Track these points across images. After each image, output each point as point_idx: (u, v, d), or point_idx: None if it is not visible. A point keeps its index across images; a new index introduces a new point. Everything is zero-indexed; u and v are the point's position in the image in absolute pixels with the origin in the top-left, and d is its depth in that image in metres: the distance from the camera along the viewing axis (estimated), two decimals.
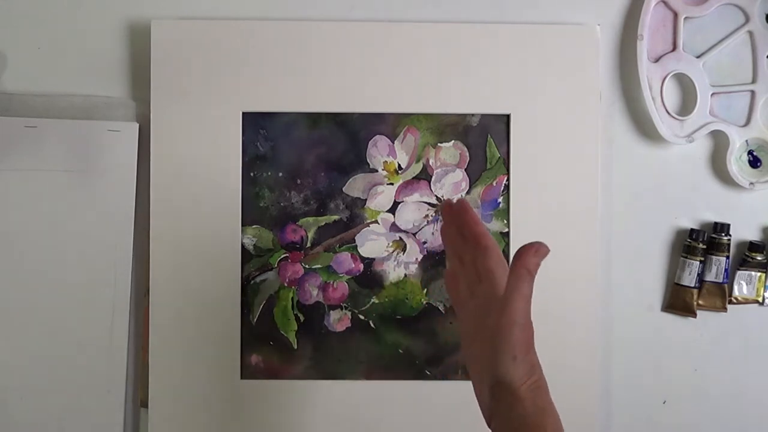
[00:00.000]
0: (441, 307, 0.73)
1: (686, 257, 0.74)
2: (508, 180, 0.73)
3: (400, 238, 0.74)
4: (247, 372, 0.73)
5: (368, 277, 0.73)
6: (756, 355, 0.76)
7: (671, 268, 0.76)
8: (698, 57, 0.74)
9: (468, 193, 0.73)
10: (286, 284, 0.73)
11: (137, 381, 0.73)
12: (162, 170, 0.72)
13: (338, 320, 0.73)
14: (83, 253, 0.72)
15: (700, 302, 0.75)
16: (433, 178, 0.73)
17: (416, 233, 0.73)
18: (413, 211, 0.73)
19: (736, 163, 0.75)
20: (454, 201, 0.60)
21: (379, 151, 0.73)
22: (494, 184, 0.73)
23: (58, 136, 0.72)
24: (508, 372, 0.54)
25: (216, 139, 0.72)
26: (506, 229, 0.73)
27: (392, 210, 0.73)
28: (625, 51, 0.75)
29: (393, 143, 0.73)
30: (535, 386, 0.55)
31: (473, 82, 0.73)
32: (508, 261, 0.73)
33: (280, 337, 0.73)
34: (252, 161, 0.73)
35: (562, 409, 0.72)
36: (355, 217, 0.73)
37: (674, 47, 0.74)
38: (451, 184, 0.73)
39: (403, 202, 0.73)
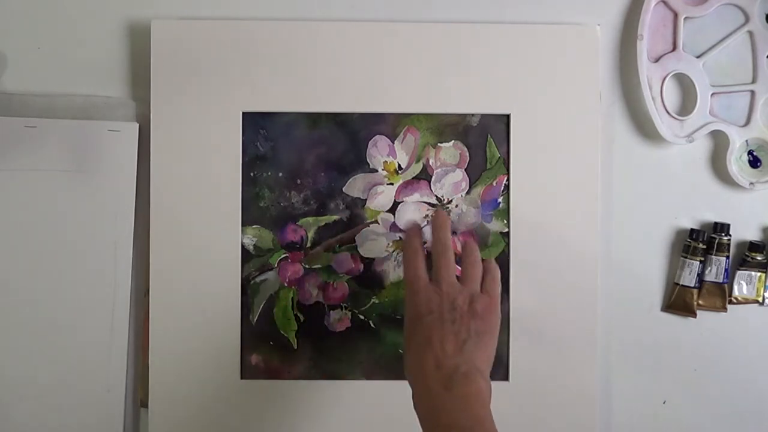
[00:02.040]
0: None
1: (686, 257, 0.74)
2: (508, 180, 0.73)
3: (400, 238, 0.74)
4: (247, 372, 0.73)
5: (368, 277, 0.73)
6: (756, 355, 0.76)
7: (671, 268, 0.76)
8: (698, 57, 0.74)
9: (468, 193, 0.73)
10: (286, 284, 0.73)
11: (137, 381, 0.73)
12: (162, 170, 0.72)
13: (338, 320, 0.73)
14: (83, 253, 0.72)
15: (700, 302, 0.75)
16: (433, 178, 0.73)
17: None
18: (413, 211, 0.73)
19: (736, 163, 0.75)
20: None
21: (379, 151, 0.73)
22: (494, 184, 0.73)
23: (58, 136, 0.72)
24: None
25: (216, 139, 0.72)
26: (506, 229, 0.73)
27: (392, 210, 0.73)
28: (625, 51, 0.75)
29: (393, 143, 0.73)
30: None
31: (473, 82, 0.73)
32: (508, 261, 0.73)
33: (280, 337, 0.73)
34: (252, 161, 0.73)
35: (563, 410, 0.73)
36: (355, 217, 0.73)
37: (674, 47, 0.74)
38: (451, 184, 0.73)
39: (403, 202, 0.73)
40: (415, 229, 0.66)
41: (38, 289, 0.72)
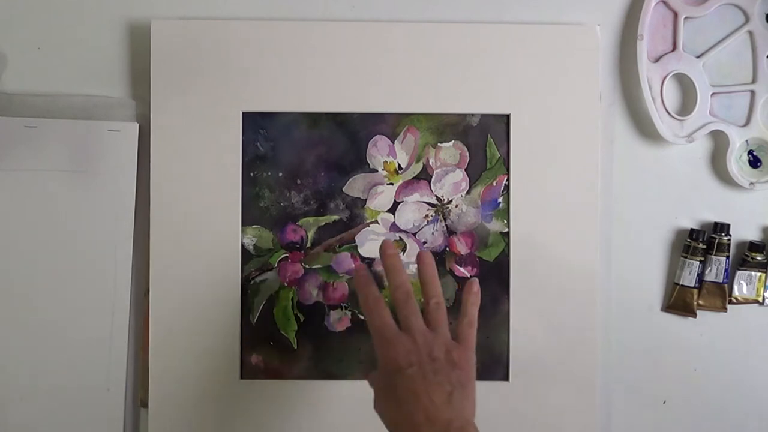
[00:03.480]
0: None
1: (686, 257, 0.74)
2: (508, 180, 0.73)
3: (400, 238, 0.74)
4: (247, 372, 0.73)
5: None
6: (756, 355, 0.76)
7: (671, 268, 0.76)
8: (698, 57, 0.74)
9: (468, 193, 0.73)
10: (286, 284, 0.73)
11: (137, 381, 0.73)
12: (162, 170, 0.72)
13: (338, 320, 0.73)
14: (83, 253, 0.72)
15: (700, 302, 0.75)
16: (433, 178, 0.73)
17: (416, 233, 0.74)
18: (413, 211, 0.74)
19: (736, 163, 0.75)
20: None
21: (379, 151, 0.73)
22: (494, 184, 0.73)
23: (58, 136, 0.72)
24: None
25: (216, 139, 0.72)
26: (506, 229, 0.73)
27: (392, 210, 0.74)
28: (625, 51, 0.75)
29: (393, 143, 0.73)
30: None
31: (473, 82, 0.73)
32: (508, 261, 0.73)
33: (280, 337, 0.73)
34: (252, 161, 0.73)
35: (563, 410, 0.72)
36: (355, 217, 0.73)
37: (674, 47, 0.74)
38: (451, 184, 0.73)
39: (403, 202, 0.73)
40: (365, 274, 0.63)
41: (38, 289, 0.72)
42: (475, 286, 0.63)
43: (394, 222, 0.73)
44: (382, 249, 0.63)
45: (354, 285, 0.64)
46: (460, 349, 0.60)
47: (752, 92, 0.74)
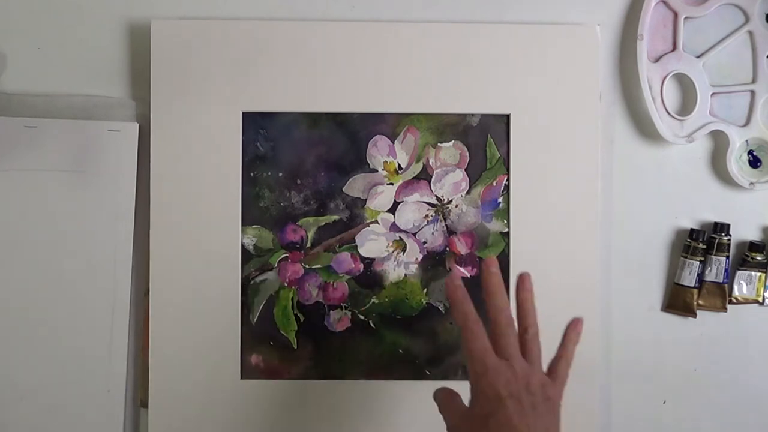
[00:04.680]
0: (441, 307, 0.73)
1: (686, 257, 0.74)
2: (508, 180, 0.73)
3: (400, 238, 0.74)
4: (247, 372, 0.73)
5: (368, 277, 0.73)
6: (756, 355, 0.76)
7: (671, 268, 0.76)
8: (698, 57, 0.74)
9: (468, 193, 0.73)
10: (286, 284, 0.73)
11: (137, 381, 0.73)
12: (162, 170, 0.72)
13: (338, 320, 0.73)
14: (83, 253, 0.72)
15: (700, 302, 0.75)
16: (433, 178, 0.73)
17: (416, 233, 0.74)
18: (413, 211, 0.73)
19: (736, 163, 0.75)
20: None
21: (379, 151, 0.73)
22: (494, 184, 0.73)
23: (58, 136, 0.72)
24: None
25: (216, 139, 0.72)
26: (506, 229, 0.73)
27: (392, 210, 0.73)
28: (625, 51, 0.75)
29: (393, 143, 0.73)
30: None
31: (473, 82, 0.73)
32: (508, 261, 0.73)
33: (280, 337, 0.73)
34: (252, 161, 0.73)
35: (563, 410, 0.72)
36: (355, 217, 0.73)
37: (674, 47, 0.74)
38: (451, 184, 0.73)
39: (403, 202, 0.73)
40: (461, 287, 0.58)
41: (38, 289, 0.72)
42: (580, 325, 0.61)
43: (394, 222, 0.73)
44: (485, 266, 0.59)
45: (447, 297, 0.59)
46: (554, 386, 0.58)
47: (752, 92, 0.74)
